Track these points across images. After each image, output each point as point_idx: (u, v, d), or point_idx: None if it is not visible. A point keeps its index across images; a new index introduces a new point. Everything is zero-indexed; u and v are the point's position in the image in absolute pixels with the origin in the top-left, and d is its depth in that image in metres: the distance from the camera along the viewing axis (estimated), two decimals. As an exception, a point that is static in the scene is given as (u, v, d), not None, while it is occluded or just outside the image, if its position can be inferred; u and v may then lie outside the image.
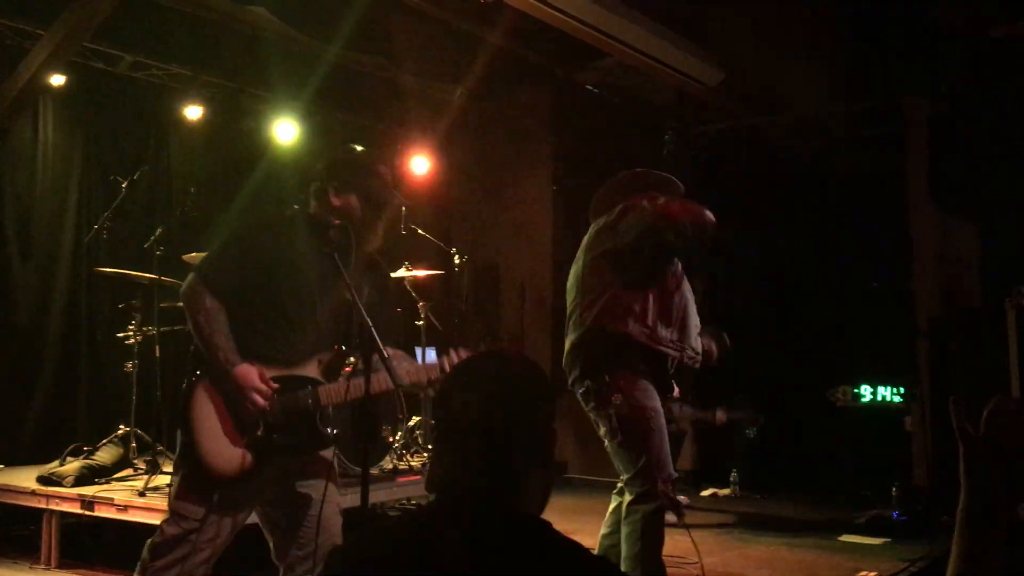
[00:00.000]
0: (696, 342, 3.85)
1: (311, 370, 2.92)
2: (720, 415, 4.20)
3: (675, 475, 3.68)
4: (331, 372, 2.95)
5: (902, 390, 6.81)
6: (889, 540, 5.59)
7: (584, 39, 6.05)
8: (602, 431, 3.76)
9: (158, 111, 6.91)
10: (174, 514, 2.79)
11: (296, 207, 3.04)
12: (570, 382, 3.80)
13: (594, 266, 3.77)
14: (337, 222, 2.91)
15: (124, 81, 6.69)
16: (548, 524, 1.44)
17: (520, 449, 1.48)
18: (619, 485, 3.82)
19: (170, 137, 7.04)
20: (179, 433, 2.83)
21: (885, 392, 6.87)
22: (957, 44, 6.52)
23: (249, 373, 2.78)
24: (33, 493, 4.89)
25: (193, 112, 6.86)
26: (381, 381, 2.76)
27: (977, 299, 6.76)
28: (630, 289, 3.67)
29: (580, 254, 3.89)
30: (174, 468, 2.90)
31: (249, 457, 2.77)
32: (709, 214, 3.69)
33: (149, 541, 2.80)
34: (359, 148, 3.09)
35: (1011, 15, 6.26)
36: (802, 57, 6.55)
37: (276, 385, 2.82)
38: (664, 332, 3.68)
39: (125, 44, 6.49)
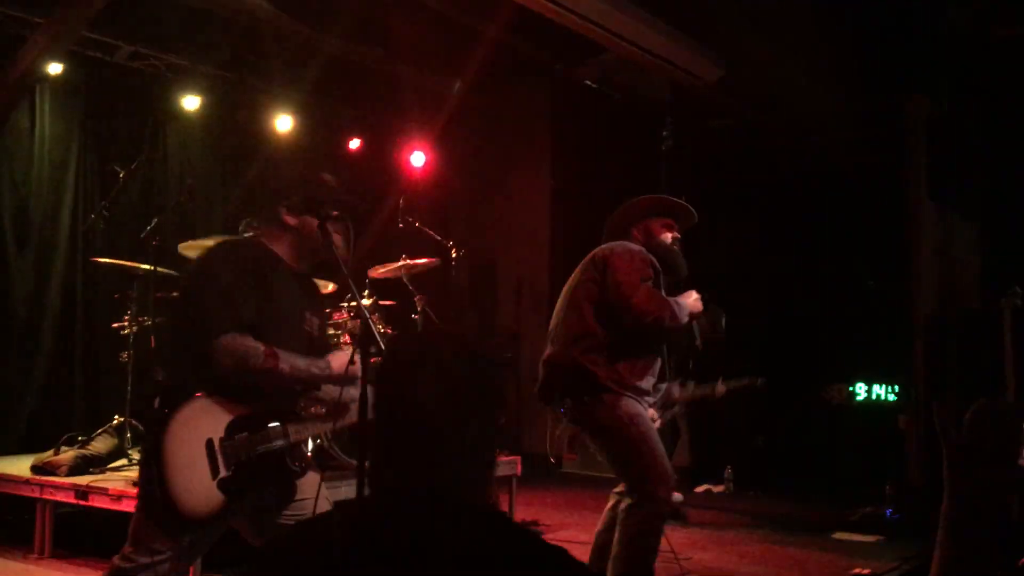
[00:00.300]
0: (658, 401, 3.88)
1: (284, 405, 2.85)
2: (720, 387, 4.19)
3: (675, 477, 3.68)
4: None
5: (897, 388, 6.82)
6: (882, 538, 5.61)
7: (583, 33, 6.04)
8: (590, 445, 3.81)
9: (155, 101, 6.88)
10: (141, 545, 2.66)
11: (253, 233, 2.97)
12: (548, 385, 3.80)
13: (584, 291, 3.77)
14: (335, 213, 2.89)
15: (122, 71, 6.66)
16: (503, 514, 1.41)
17: (459, 437, 1.43)
18: (621, 484, 3.84)
19: (167, 127, 7.02)
20: (145, 468, 2.69)
21: (880, 390, 6.88)
22: (958, 44, 6.51)
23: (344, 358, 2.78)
24: (27, 482, 4.87)
25: (190, 102, 6.85)
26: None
27: (975, 299, 6.76)
28: (612, 331, 3.66)
29: (579, 269, 3.87)
30: (140, 499, 2.74)
31: (219, 498, 2.63)
32: (678, 320, 3.68)
33: (115, 566, 2.67)
34: (299, 164, 3.03)
35: (1012, 16, 6.25)
36: (802, 55, 6.53)
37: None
38: (635, 382, 3.68)
39: (123, 34, 6.46)
